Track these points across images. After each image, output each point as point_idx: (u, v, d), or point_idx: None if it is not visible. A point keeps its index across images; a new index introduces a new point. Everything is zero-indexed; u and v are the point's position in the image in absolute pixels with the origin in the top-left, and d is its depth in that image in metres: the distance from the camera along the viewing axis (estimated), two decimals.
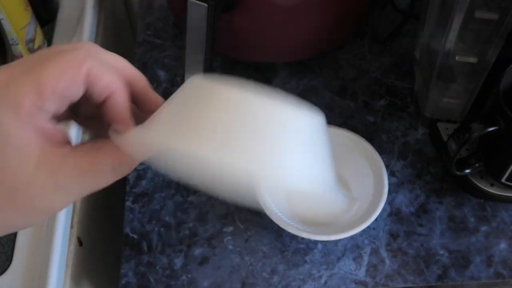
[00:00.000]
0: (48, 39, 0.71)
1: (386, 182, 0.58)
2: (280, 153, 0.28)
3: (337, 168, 0.66)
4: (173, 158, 0.28)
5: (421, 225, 0.61)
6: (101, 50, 0.30)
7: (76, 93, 0.29)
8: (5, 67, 0.28)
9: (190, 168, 0.27)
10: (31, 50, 0.68)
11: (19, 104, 0.26)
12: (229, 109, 0.28)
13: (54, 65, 0.27)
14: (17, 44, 0.66)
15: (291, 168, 0.28)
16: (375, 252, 0.59)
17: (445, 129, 0.64)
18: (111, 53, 0.31)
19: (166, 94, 0.75)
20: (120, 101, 0.30)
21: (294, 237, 0.59)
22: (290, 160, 0.28)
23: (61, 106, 0.29)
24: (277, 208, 0.56)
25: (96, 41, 0.74)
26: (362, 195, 0.59)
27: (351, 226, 0.56)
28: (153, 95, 0.32)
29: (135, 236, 0.60)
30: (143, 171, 0.65)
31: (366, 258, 0.59)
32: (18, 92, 0.27)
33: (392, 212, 0.62)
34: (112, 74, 0.30)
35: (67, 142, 0.29)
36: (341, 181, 0.62)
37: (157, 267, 0.58)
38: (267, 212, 0.56)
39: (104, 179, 0.29)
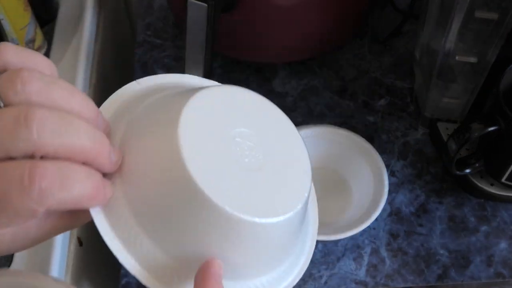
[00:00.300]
0: (48, 40, 0.71)
1: (386, 182, 0.58)
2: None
3: (337, 168, 0.66)
4: None
5: (421, 225, 0.61)
6: (51, 137, 0.24)
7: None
8: None
9: None
10: None
11: None
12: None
13: (6, 219, 0.24)
14: (17, 44, 0.66)
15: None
16: (375, 252, 0.59)
17: (445, 129, 0.64)
18: (62, 134, 0.24)
19: None
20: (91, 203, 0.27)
21: None
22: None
23: None
24: None
25: (96, 42, 0.74)
26: (362, 195, 0.59)
27: (351, 226, 0.56)
28: (109, 164, 0.28)
29: None
30: None
31: (366, 258, 0.59)
32: None
33: (392, 212, 0.62)
34: (74, 186, 0.25)
35: None
36: (341, 181, 0.62)
37: None
38: None
39: (75, 227, 0.30)
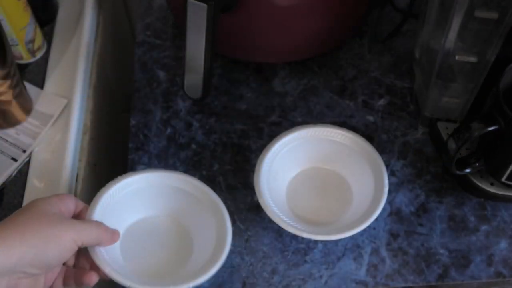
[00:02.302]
0: (48, 40, 0.71)
1: (386, 181, 0.58)
2: None
3: (337, 168, 0.66)
4: None
5: (421, 225, 0.61)
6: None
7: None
8: (18, 244, 0.41)
9: None
10: (31, 51, 0.68)
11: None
12: None
13: (55, 248, 0.43)
14: (17, 45, 0.66)
15: None
16: (375, 251, 0.59)
17: (445, 129, 0.64)
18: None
19: (166, 94, 0.75)
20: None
21: (294, 237, 0.59)
22: None
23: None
24: (277, 208, 0.56)
25: (95, 42, 0.74)
26: (362, 195, 0.59)
27: (351, 226, 0.56)
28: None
29: None
30: None
31: (366, 258, 0.59)
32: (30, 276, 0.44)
33: (392, 212, 0.62)
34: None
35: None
36: (341, 181, 0.62)
37: None
38: (268, 212, 0.56)
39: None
